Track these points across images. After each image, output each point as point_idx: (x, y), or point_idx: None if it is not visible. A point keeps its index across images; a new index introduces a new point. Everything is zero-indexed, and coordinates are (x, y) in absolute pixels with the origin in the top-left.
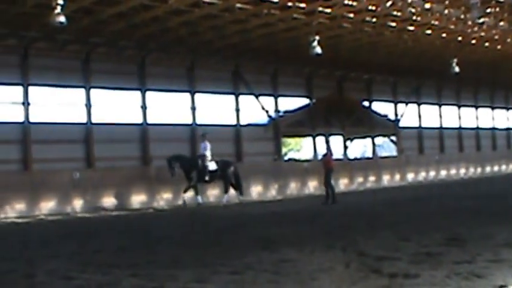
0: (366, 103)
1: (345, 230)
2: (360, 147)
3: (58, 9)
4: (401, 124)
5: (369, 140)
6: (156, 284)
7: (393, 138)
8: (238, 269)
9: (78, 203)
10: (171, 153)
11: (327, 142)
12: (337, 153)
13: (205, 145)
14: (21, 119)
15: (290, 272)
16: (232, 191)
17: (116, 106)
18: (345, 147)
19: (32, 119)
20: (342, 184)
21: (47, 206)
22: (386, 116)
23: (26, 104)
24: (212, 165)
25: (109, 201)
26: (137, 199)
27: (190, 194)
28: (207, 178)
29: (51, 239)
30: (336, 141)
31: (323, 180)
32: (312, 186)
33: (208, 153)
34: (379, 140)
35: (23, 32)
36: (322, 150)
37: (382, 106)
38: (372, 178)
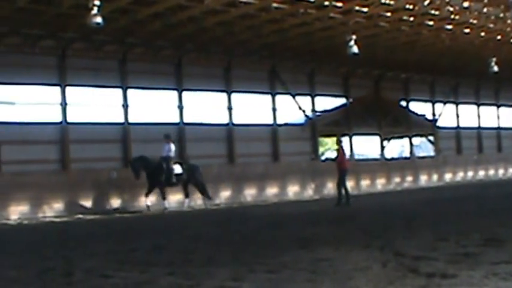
0: (403, 103)
1: (382, 230)
2: (398, 147)
3: (95, 10)
4: (439, 124)
5: (406, 140)
6: (192, 282)
7: (431, 138)
8: (275, 267)
9: (115, 202)
10: (207, 153)
11: (340, 142)
12: (375, 153)
13: (169, 147)
14: (59, 119)
15: (327, 271)
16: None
17: (153, 106)
18: (382, 147)
19: (69, 120)
20: (379, 184)
21: (85, 205)
22: (423, 115)
23: (63, 104)
24: (177, 168)
25: (147, 200)
26: (173, 198)
27: (152, 198)
28: (174, 181)
29: (88, 237)
30: (373, 141)
31: (337, 181)
32: (349, 185)
33: (172, 155)
34: (416, 140)
35: (60, 33)
36: (333, 151)
37: (419, 106)
38: (409, 178)
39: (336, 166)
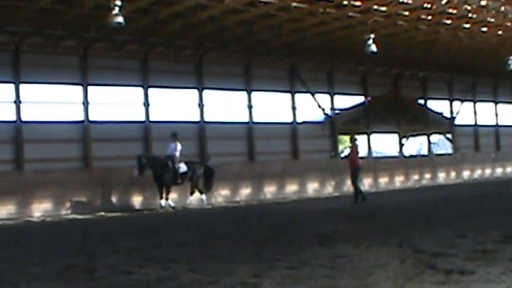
0: (422, 101)
1: (401, 227)
2: (416, 145)
3: (116, 10)
4: (457, 122)
5: (424, 137)
6: (213, 279)
7: (449, 136)
8: (295, 264)
9: (136, 200)
10: (228, 151)
11: (354, 140)
12: (393, 150)
13: (175, 145)
14: (81, 118)
15: (346, 267)
16: (197, 194)
17: (174, 105)
18: (401, 145)
19: (91, 118)
20: (397, 181)
21: (107, 202)
22: (441, 113)
23: (85, 103)
24: (183, 167)
25: (168, 198)
26: (195, 196)
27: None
28: (179, 181)
29: (111, 235)
30: (392, 139)
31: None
32: (367, 183)
33: (177, 154)
34: (434, 138)
35: (82, 33)
36: (346, 148)
37: (437, 104)
38: (427, 175)
39: (348, 164)
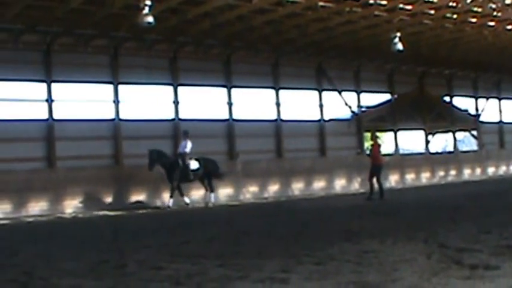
0: (447, 98)
1: (427, 222)
2: (442, 142)
3: (146, 10)
4: (482, 119)
5: (450, 134)
6: (242, 274)
7: (474, 132)
8: (322, 259)
9: (166, 197)
10: (256, 148)
11: (376, 137)
12: (419, 147)
13: (186, 143)
14: (112, 116)
15: (372, 262)
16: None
17: (203, 103)
18: (427, 142)
19: (122, 116)
20: (423, 178)
21: (137, 199)
22: (467, 110)
23: (116, 102)
24: (194, 164)
25: (197, 194)
26: (224, 192)
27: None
28: (191, 177)
29: (141, 231)
30: (418, 136)
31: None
32: (394, 180)
33: (188, 151)
34: (460, 135)
35: (112, 32)
36: (369, 145)
37: (462, 101)
38: (452, 172)
39: (371, 161)
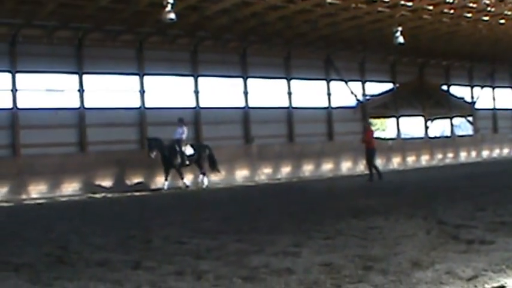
0: (445, 87)
1: (426, 201)
2: (440, 127)
3: (169, 7)
4: (477, 106)
5: (447, 120)
6: (257, 248)
7: (470, 118)
8: (331, 234)
9: (188, 178)
10: (270, 133)
11: (368, 123)
12: (419, 132)
13: (181, 130)
14: (138, 104)
15: (377, 237)
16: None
17: (221, 92)
18: (426, 127)
19: (147, 105)
20: (423, 160)
21: (161, 180)
22: (463, 98)
23: (141, 91)
24: (189, 150)
25: (216, 176)
26: (241, 174)
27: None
28: (187, 162)
29: (165, 209)
30: (418, 122)
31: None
32: (396, 162)
33: (184, 138)
34: (456, 121)
35: (138, 28)
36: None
37: (459, 90)
38: (450, 155)
39: (365, 146)
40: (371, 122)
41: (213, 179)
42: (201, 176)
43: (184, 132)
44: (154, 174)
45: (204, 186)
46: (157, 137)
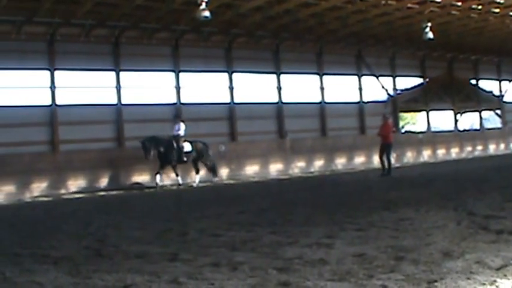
0: (474, 81)
1: (456, 193)
2: (469, 120)
3: (203, 6)
4: (505, 99)
5: (476, 114)
6: (292, 240)
7: (498, 112)
8: (363, 226)
9: (224, 172)
10: (303, 128)
11: (386, 118)
12: (449, 125)
13: (178, 126)
14: (174, 100)
15: (408, 228)
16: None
17: (255, 87)
18: (456, 121)
19: (183, 101)
20: (453, 153)
21: (200, 174)
22: (491, 92)
23: (177, 88)
24: (187, 146)
25: (251, 170)
26: (274, 167)
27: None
28: (184, 159)
29: (201, 202)
30: (448, 115)
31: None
32: (427, 155)
33: (182, 134)
34: (485, 114)
35: (173, 26)
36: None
37: (487, 83)
38: (479, 147)
39: (382, 139)
40: (388, 116)
41: (248, 172)
42: (195, 174)
43: (181, 128)
44: (190, 168)
45: (195, 184)
46: (152, 136)
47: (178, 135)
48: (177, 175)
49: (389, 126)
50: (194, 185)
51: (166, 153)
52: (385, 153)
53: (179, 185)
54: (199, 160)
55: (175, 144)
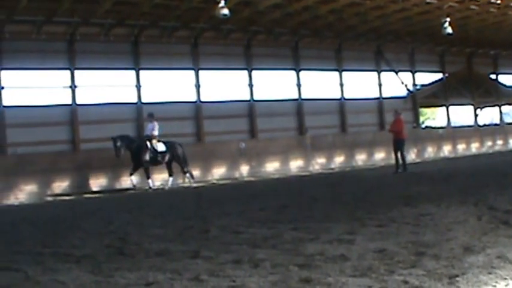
0: (493, 76)
1: (477, 188)
2: (489, 115)
3: (222, 3)
4: None
5: (496, 108)
6: (313, 236)
7: None
8: (384, 222)
9: (244, 169)
10: (322, 124)
11: (398, 114)
12: (469, 120)
13: (152, 125)
14: (194, 99)
15: (429, 224)
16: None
17: (274, 84)
18: (476, 115)
19: (203, 99)
20: (473, 147)
21: (218, 172)
22: (511, 86)
23: (197, 86)
24: (161, 147)
25: (271, 166)
26: (295, 164)
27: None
28: (159, 159)
29: (222, 200)
30: (467, 110)
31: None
32: (447, 150)
33: (156, 134)
34: (505, 109)
35: (193, 24)
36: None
37: (507, 78)
38: (499, 142)
39: (394, 135)
40: (400, 111)
41: (268, 169)
42: (187, 175)
43: (155, 128)
44: (211, 165)
45: (167, 187)
46: (123, 135)
47: (151, 135)
48: (148, 177)
49: (400, 122)
50: (166, 187)
51: (138, 154)
52: (399, 149)
53: (149, 188)
54: (174, 161)
55: (148, 145)
